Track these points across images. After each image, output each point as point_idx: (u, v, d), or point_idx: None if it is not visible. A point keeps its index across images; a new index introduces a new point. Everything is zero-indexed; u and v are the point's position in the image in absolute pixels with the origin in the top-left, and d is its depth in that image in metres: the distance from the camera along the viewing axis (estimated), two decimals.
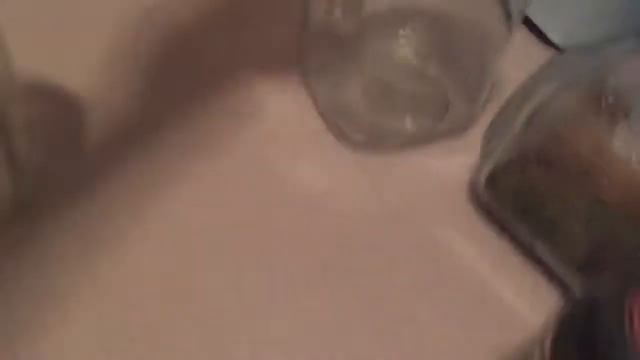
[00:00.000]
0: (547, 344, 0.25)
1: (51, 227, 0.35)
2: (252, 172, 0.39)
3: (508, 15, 0.38)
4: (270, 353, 0.33)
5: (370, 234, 0.37)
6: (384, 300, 0.35)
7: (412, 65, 0.44)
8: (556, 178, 0.34)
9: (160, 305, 0.33)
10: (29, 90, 0.39)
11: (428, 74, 0.44)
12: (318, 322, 0.34)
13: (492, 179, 0.37)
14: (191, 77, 0.42)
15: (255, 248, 0.36)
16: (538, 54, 0.45)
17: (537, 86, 0.34)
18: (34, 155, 0.36)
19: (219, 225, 0.37)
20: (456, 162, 0.41)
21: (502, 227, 0.38)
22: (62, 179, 0.37)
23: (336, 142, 0.41)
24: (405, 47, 0.43)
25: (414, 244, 0.37)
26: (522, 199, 0.36)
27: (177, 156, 0.39)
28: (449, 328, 0.34)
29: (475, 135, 0.41)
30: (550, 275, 0.36)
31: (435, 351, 0.34)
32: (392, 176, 0.40)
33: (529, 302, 0.36)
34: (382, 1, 0.38)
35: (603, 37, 0.39)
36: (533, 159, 0.35)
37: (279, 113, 0.42)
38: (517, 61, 0.40)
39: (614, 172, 0.32)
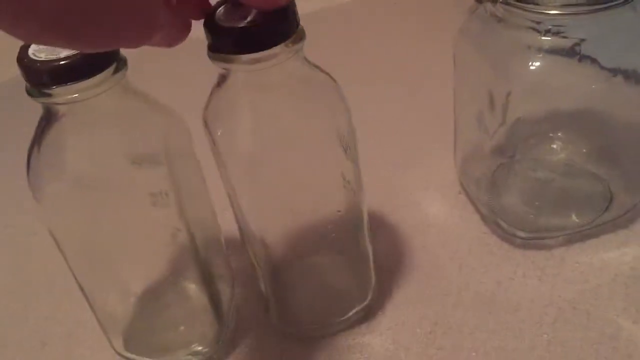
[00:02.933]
0: None
1: None
2: (424, 279, 0.42)
3: None
4: None
5: (542, 329, 0.38)
6: None
7: (568, 163, 0.46)
8: None
9: None
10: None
11: (585, 171, 0.45)
12: None
13: None
14: None
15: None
16: None
17: None
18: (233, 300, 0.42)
19: None
20: (627, 253, 0.41)
21: None
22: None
23: (501, 243, 0.44)
24: (560, 147, 0.46)
25: (591, 340, 0.37)
26: None
27: None
28: None
29: None
30: None
31: None
32: (561, 271, 0.41)
33: None
34: (526, 105, 0.41)
35: None
36: None
37: (442, 223, 0.46)
38: None
39: None
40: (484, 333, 0.39)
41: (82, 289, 0.37)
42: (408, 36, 0.67)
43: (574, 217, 0.44)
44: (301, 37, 0.30)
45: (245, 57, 0.29)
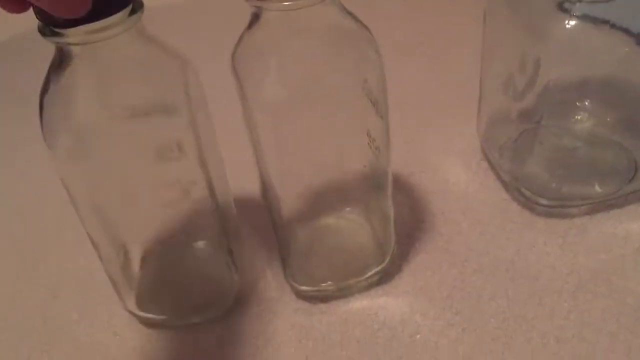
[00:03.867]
0: None
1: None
2: (443, 244, 0.42)
3: None
4: None
5: (562, 300, 0.38)
6: None
7: (593, 132, 0.45)
8: None
9: None
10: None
11: (610, 140, 0.45)
12: None
13: None
14: None
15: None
16: None
17: None
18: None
19: None
20: None
21: None
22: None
23: (522, 210, 0.43)
24: (583, 116, 0.45)
25: (613, 310, 0.37)
26: None
27: None
28: None
29: None
30: None
31: None
32: (583, 240, 0.41)
33: None
34: (555, 69, 0.40)
35: None
36: None
37: (463, 189, 0.45)
38: None
39: None
40: (503, 300, 0.38)
41: (93, 243, 0.36)
42: None
43: (597, 187, 0.43)
44: None
45: None
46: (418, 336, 0.37)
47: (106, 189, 0.34)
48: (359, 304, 0.39)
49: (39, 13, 0.28)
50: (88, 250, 0.36)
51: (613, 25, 0.38)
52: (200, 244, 0.39)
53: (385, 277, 0.40)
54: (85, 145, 0.32)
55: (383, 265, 0.39)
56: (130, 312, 0.38)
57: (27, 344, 0.39)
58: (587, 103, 0.45)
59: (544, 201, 0.42)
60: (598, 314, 0.37)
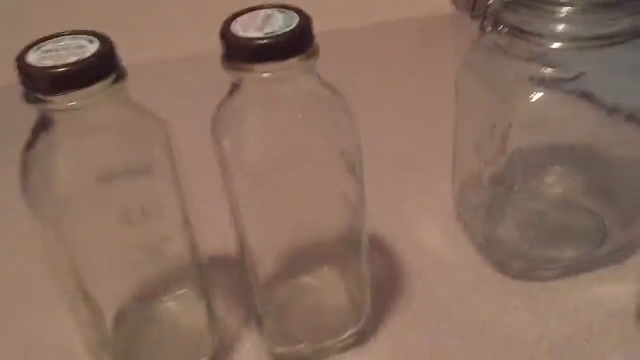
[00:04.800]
0: None
1: None
2: (418, 305, 0.42)
3: None
4: None
5: None
6: None
7: (564, 197, 0.46)
8: None
9: None
10: None
11: (580, 205, 0.46)
12: None
13: None
14: None
15: None
16: None
17: None
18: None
19: None
20: (621, 289, 0.41)
21: None
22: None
23: (495, 273, 0.44)
24: (554, 181, 0.46)
25: None
26: None
27: None
28: None
29: (637, 261, 0.42)
30: None
31: None
32: (555, 303, 0.41)
33: None
34: (525, 137, 0.42)
35: None
36: None
37: (438, 251, 0.46)
38: None
39: None
40: None
41: (70, 304, 0.36)
42: (415, 63, 0.68)
43: (567, 251, 0.44)
44: (315, 53, 0.30)
45: (260, 66, 0.29)
46: None
47: (76, 252, 0.34)
48: None
49: (25, 80, 0.29)
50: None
51: (581, 95, 0.40)
52: (178, 300, 0.39)
53: (360, 339, 0.40)
54: (61, 205, 0.32)
55: (359, 326, 0.40)
56: None
57: None
58: (557, 167, 0.47)
59: (516, 264, 0.43)
60: None
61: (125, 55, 0.31)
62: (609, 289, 0.42)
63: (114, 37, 0.30)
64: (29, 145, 0.31)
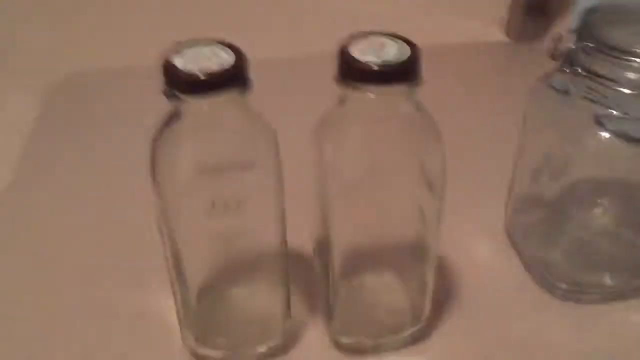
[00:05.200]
0: None
1: None
2: (470, 315, 0.46)
3: None
4: None
5: None
6: None
7: (609, 228, 0.50)
8: None
9: None
10: None
11: (624, 237, 0.50)
12: None
13: None
14: None
15: None
16: None
17: None
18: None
19: None
20: None
21: None
22: None
23: (542, 292, 0.47)
24: (603, 212, 0.50)
25: None
26: None
27: None
28: None
29: None
30: None
31: None
32: (597, 325, 0.45)
33: None
34: (583, 170, 0.46)
35: None
36: None
37: (489, 267, 0.50)
38: None
39: None
40: None
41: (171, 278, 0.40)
42: (471, 87, 0.71)
43: (610, 278, 0.47)
44: (420, 83, 0.34)
45: (371, 88, 0.33)
46: None
47: (180, 234, 0.38)
48: (393, 359, 0.43)
49: (169, 80, 0.33)
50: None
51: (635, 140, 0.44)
52: (259, 284, 0.43)
53: (417, 338, 0.44)
54: (177, 189, 0.36)
55: (417, 327, 0.43)
56: (189, 347, 0.42)
57: None
58: (605, 200, 0.50)
59: (562, 285, 0.47)
60: None
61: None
62: None
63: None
64: (159, 133, 0.35)
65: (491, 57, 0.79)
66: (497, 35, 0.81)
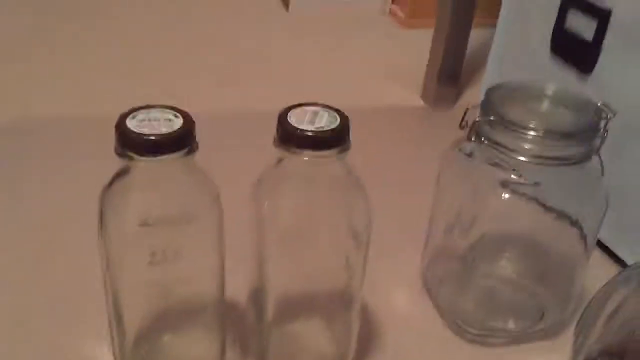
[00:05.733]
0: None
1: None
2: (390, 355, 0.50)
3: (585, 243, 0.51)
4: None
5: None
6: None
7: (512, 278, 0.56)
8: None
9: None
10: None
11: (525, 286, 0.56)
12: None
13: None
14: None
15: None
16: (610, 269, 0.57)
17: (616, 288, 0.45)
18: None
19: None
20: (552, 358, 0.51)
21: None
22: None
23: (454, 336, 0.52)
24: (506, 264, 0.56)
25: None
26: None
27: None
28: None
29: (569, 337, 0.51)
30: None
31: None
32: None
33: None
34: (488, 226, 0.51)
35: None
36: (615, 354, 0.45)
37: (406, 313, 0.54)
38: (596, 275, 0.51)
39: None
40: None
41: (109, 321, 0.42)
42: (389, 147, 0.77)
43: (513, 323, 0.53)
44: (349, 147, 0.39)
45: (306, 152, 0.38)
46: None
47: (121, 275, 0.41)
48: None
49: (120, 140, 0.36)
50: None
51: (536, 200, 0.50)
52: (197, 332, 0.45)
53: None
54: (118, 238, 0.39)
55: None
56: None
57: None
58: (509, 254, 0.56)
59: (472, 330, 0.52)
60: None
61: None
62: (542, 358, 0.51)
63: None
64: (109, 185, 0.38)
65: (409, 120, 0.86)
66: (415, 100, 0.89)
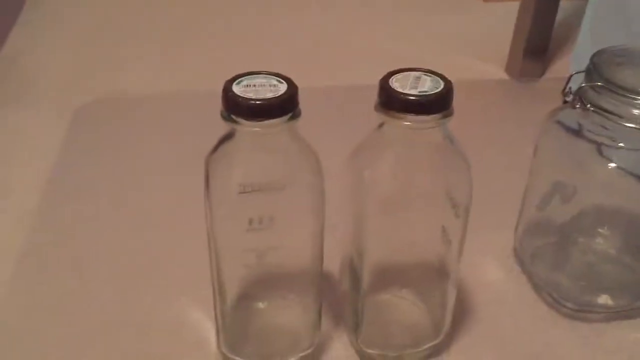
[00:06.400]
0: None
1: None
2: (484, 331, 0.49)
3: None
4: None
5: None
6: None
7: (611, 254, 0.54)
8: None
9: None
10: None
11: (625, 262, 0.53)
12: None
13: None
14: None
15: None
16: None
17: None
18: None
19: None
20: None
21: None
22: None
23: (550, 310, 0.51)
24: (606, 239, 0.54)
25: None
26: None
27: None
28: None
29: None
30: None
31: None
32: (601, 341, 0.48)
33: None
34: (589, 199, 0.50)
35: None
36: None
37: (500, 287, 0.53)
38: None
39: None
40: None
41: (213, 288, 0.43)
42: (475, 119, 0.76)
43: (612, 300, 0.51)
44: (451, 113, 0.38)
45: (409, 117, 0.37)
46: None
47: (222, 239, 0.41)
48: None
49: (227, 104, 0.36)
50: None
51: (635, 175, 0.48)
52: (295, 300, 0.46)
53: (436, 351, 0.47)
54: (222, 201, 0.40)
55: (437, 341, 0.47)
56: (222, 353, 0.45)
57: None
58: (607, 228, 0.54)
59: (569, 305, 0.50)
60: None
61: None
62: None
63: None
64: (214, 150, 0.39)
65: (494, 94, 0.83)
66: (500, 74, 0.86)
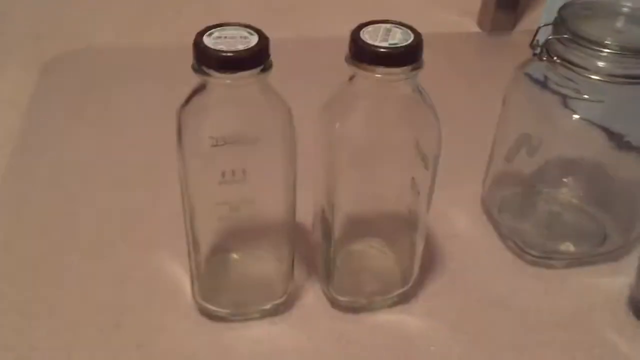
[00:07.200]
0: None
1: None
2: (451, 278, 0.51)
3: None
4: None
5: (545, 332, 0.47)
6: None
7: (573, 203, 0.56)
8: None
9: None
10: None
11: (588, 211, 0.55)
12: None
13: None
14: None
15: None
16: None
17: None
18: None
19: None
20: (616, 281, 0.51)
21: None
22: None
23: (515, 258, 0.53)
24: (569, 188, 0.55)
25: (584, 345, 0.46)
26: None
27: None
28: None
29: (632, 260, 0.51)
30: None
31: None
32: (563, 287, 0.51)
33: None
34: (554, 150, 0.51)
35: None
36: None
37: (468, 236, 0.55)
38: None
39: None
40: (498, 328, 0.47)
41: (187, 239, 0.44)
42: (446, 73, 0.77)
43: (574, 247, 0.53)
44: (421, 66, 0.38)
45: (380, 69, 0.37)
46: (432, 348, 0.46)
47: (197, 192, 0.42)
48: (383, 317, 0.47)
49: (198, 56, 0.36)
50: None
51: (602, 128, 0.49)
52: (268, 250, 0.47)
53: (405, 298, 0.49)
54: (194, 154, 0.40)
55: (405, 288, 0.48)
56: (197, 303, 0.46)
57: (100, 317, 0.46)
58: (571, 178, 0.56)
59: (533, 252, 0.52)
60: (573, 346, 0.46)
61: None
62: (606, 280, 0.51)
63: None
64: (186, 103, 0.39)
65: (466, 46, 0.84)
66: (471, 26, 0.86)
